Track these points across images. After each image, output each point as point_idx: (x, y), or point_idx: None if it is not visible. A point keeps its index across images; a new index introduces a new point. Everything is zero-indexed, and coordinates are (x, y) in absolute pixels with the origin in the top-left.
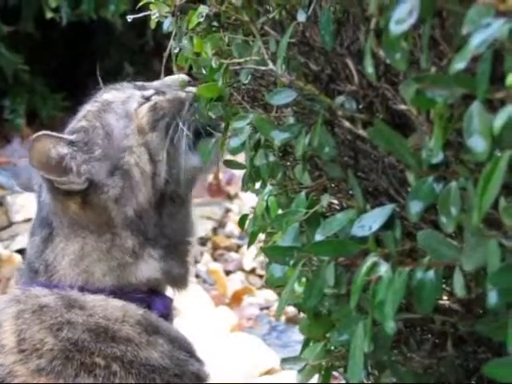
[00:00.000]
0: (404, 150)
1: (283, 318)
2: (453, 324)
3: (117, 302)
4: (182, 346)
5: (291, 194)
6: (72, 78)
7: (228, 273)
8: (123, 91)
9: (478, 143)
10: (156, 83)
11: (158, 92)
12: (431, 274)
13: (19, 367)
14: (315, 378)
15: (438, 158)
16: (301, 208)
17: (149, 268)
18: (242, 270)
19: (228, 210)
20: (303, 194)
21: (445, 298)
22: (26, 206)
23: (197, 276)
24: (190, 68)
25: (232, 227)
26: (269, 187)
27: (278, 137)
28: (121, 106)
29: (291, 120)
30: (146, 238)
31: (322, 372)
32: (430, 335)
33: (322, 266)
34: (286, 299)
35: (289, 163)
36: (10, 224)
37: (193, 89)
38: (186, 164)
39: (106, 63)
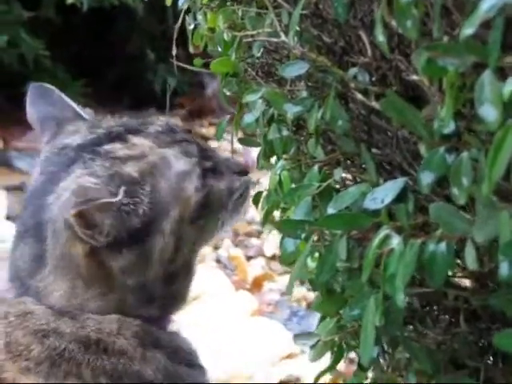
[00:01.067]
0: (416, 121)
1: (304, 304)
2: (465, 299)
3: (113, 316)
4: (183, 358)
5: (304, 169)
6: (93, 64)
7: (249, 258)
8: (186, 156)
9: (489, 112)
10: (219, 154)
11: (215, 170)
12: (443, 246)
13: (8, 364)
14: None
15: (449, 128)
16: (313, 182)
17: (145, 313)
18: (263, 255)
19: None
20: (316, 168)
21: (458, 274)
22: None
23: (217, 261)
24: (206, 47)
25: (253, 213)
26: (282, 162)
27: (291, 110)
28: (176, 179)
29: (304, 94)
30: (145, 299)
31: (335, 348)
32: (443, 313)
33: (334, 240)
34: (298, 273)
35: (302, 137)
36: None
37: (247, 178)
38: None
39: (127, 49)
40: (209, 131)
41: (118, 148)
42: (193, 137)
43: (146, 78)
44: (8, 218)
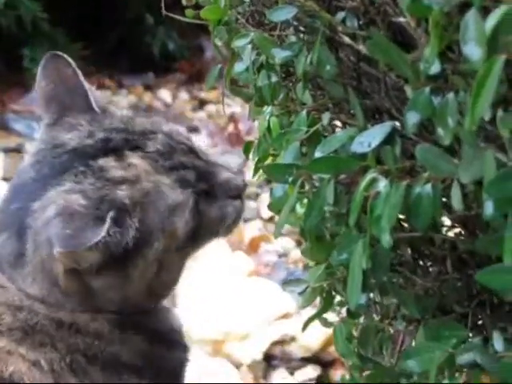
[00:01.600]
0: (402, 62)
1: (301, 266)
2: (452, 243)
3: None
4: (163, 339)
5: (293, 115)
6: (91, 28)
7: (246, 221)
8: (181, 186)
9: (473, 51)
10: (218, 177)
11: (209, 193)
12: (428, 188)
13: None
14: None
15: (434, 68)
16: (302, 127)
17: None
18: (260, 218)
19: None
20: (304, 113)
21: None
22: None
23: None
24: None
25: (249, 175)
26: (270, 108)
27: (279, 55)
28: (167, 212)
29: (293, 39)
30: (121, 307)
31: (324, 295)
32: (432, 260)
33: (322, 184)
34: (285, 217)
35: (291, 84)
36: None
37: (240, 203)
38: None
39: (126, 12)
40: (208, 95)
41: (112, 166)
42: (197, 157)
43: (145, 42)
44: (4, 179)
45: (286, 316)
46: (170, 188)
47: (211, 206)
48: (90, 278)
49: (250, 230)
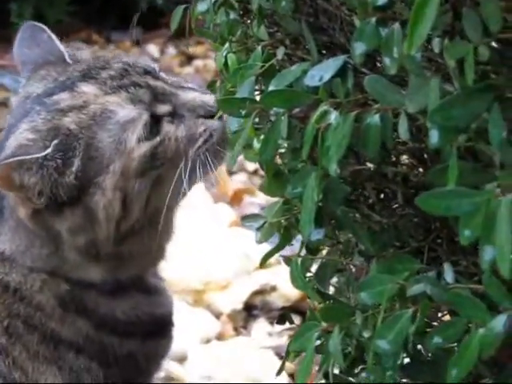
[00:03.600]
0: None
1: None
2: (404, 175)
3: (42, 275)
4: (117, 329)
5: (250, 52)
6: None
7: (231, 174)
8: (132, 103)
9: None
10: (181, 96)
11: (173, 114)
12: (377, 117)
13: None
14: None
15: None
16: (257, 62)
17: (86, 276)
18: (245, 170)
19: None
20: (259, 48)
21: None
22: None
23: None
24: None
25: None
26: (227, 44)
27: None
28: (118, 130)
29: None
30: (93, 259)
31: (281, 231)
32: (390, 196)
33: (276, 119)
34: (239, 149)
35: (249, 21)
36: None
37: (215, 122)
38: (175, 198)
39: None
40: (196, 50)
41: (63, 98)
42: (154, 78)
43: None
44: None
45: (266, 266)
46: (119, 105)
47: (178, 127)
48: (53, 219)
49: (233, 182)
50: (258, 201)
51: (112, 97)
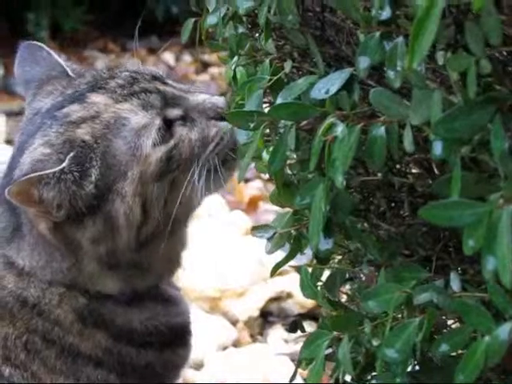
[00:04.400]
0: (353, 9)
1: None
2: (411, 186)
3: (60, 289)
4: (134, 339)
5: (259, 65)
6: None
7: (246, 181)
8: (144, 109)
9: None
10: (191, 99)
11: (185, 117)
12: (382, 129)
13: None
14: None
15: (386, 13)
16: (265, 75)
17: (104, 287)
18: (260, 178)
19: None
20: (267, 61)
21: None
22: None
23: None
24: None
25: None
26: (236, 57)
27: (242, 5)
28: (132, 137)
29: None
30: (112, 268)
31: (291, 240)
32: (398, 206)
33: (284, 131)
34: (248, 161)
35: (257, 34)
36: None
37: (225, 124)
38: (191, 203)
39: None
40: (211, 58)
41: (74, 110)
42: (162, 83)
43: (148, 6)
44: (7, 141)
45: (281, 273)
46: (131, 112)
47: (191, 130)
48: (74, 230)
49: (249, 189)
50: (274, 208)
51: (123, 104)
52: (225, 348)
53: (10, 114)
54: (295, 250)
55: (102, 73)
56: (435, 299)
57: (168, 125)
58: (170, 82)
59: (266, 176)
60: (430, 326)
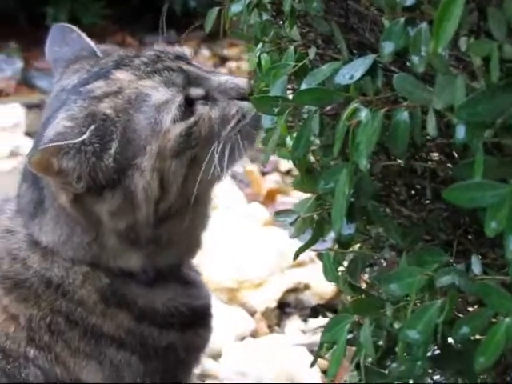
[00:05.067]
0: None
1: None
2: (433, 171)
3: (84, 268)
4: (156, 320)
5: (283, 52)
6: None
7: (264, 174)
8: (166, 86)
9: None
10: (213, 79)
11: (207, 97)
12: (405, 114)
13: None
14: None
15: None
16: (289, 62)
17: (127, 264)
18: (278, 171)
19: None
20: (292, 48)
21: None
22: None
23: (233, 177)
24: None
25: None
26: (261, 45)
27: None
28: (153, 112)
29: None
30: (132, 244)
31: (314, 225)
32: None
33: (308, 116)
34: (272, 145)
35: (282, 22)
36: None
37: (247, 104)
38: (211, 182)
39: None
40: (229, 52)
41: (98, 86)
42: (186, 63)
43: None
44: (28, 134)
45: (299, 264)
46: (153, 89)
47: (212, 108)
48: (94, 203)
49: (268, 182)
50: (292, 200)
51: (146, 81)
52: (243, 338)
53: (30, 107)
54: (317, 234)
55: (129, 52)
56: (457, 282)
57: (189, 103)
58: (194, 62)
59: (284, 169)
60: (452, 308)
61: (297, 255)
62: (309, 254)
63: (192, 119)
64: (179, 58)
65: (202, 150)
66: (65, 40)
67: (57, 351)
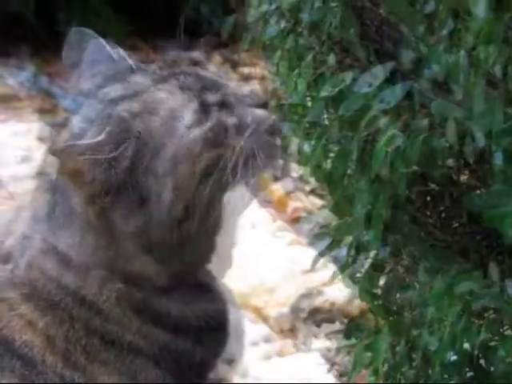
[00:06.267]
0: (415, 20)
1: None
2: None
3: (102, 273)
4: (190, 332)
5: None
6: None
7: (289, 193)
8: (182, 90)
9: (479, 8)
10: (230, 86)
11: (223, 103)
12: (443, 141)
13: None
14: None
15: (448, 27)
16: (326, 86)
17: (141, 269)
18: (302, 190)
19: None
20: (329, 73)
21: None
22: None
23: (256, 195)
24: None
25: (292, 149)
26: (298, 69)
27: (306, 19)
28: (168, 116)
29: (318, 3)
30: (144, 247)
31: (351, 251)
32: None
33: (345, 141)
34: (314, 169)
35: (317, 47)
36: None
37: (263, 112)
38: (225, 187)
39: None
40: (242, 58)
41: (115, 89)
42: (202, 68)
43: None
44: (39, 139)
45: (312, 270)
46: (169, 93)
47: (227, 115)
48: (105, 205)
49: (292, 202)
50: (302, 205)
51: (162, 85)
52: (255, 344)
53: (42, 112)
54: (336, 244)
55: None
56: (493, 305)
57: (205, 109)
58: (211, 68)
59: (296, 174)
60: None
61: (315, 261)
62: (322, 260)
63: (208, 124)
64: (196, 63)
65: (218, 157)
66: (82, 44)
67: (76, 356)
